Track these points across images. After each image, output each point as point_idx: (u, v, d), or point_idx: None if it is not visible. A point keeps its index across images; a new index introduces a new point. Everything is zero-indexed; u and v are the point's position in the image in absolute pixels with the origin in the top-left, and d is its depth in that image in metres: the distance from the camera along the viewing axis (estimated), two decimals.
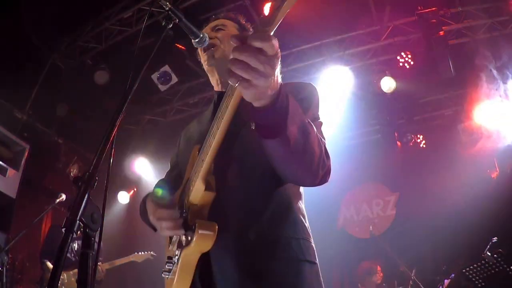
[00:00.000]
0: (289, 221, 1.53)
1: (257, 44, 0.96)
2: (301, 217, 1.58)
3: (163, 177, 2.03)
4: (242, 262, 1.43)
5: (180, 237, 1.52)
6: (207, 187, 1.43)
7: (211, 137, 1.37)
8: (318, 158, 1.30)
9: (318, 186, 1.47)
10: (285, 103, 1.12)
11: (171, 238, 1.65)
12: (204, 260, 1.43)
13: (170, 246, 1.62)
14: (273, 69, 1.00)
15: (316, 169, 1.32)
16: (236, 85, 1.01)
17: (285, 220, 1.52)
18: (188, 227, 1.44)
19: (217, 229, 1.39)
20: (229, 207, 1.50)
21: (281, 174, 1.41)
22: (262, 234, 1.46)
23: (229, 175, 1.53)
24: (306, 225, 1.58)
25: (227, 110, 1.27)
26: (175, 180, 1.84)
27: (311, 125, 1.28)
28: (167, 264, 1.54)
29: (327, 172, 1.39)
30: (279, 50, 1.01)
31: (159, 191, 1.71)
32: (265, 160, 1.38)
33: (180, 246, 1.48)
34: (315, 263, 1.52)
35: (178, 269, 1.44)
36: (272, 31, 1.02)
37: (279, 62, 1.03)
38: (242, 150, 1.54)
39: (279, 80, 1.09)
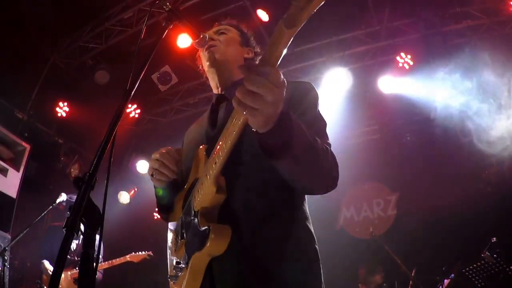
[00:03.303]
0: (294, 223, 1.55)
1: (265, 77, 1.03)
2: (305, 219, 1.60)
3: None
4: (249, 263, 1.44)
5: (187, 240, 1.52)
6: (218, 189, 1.42)
7: (225, 139, 1.34)
8: (326, 171, 1.39)
9: None
10: (289, 125, 1.19)
11: (176, 243, 1.64)
12: (212, 263, 1.43)
13: (176, 251, 1.61)
14: (280, 98, 1.08)
15: (325, 182, 1.42)
16: (244, 113, 1.07)
17: (290, 222, 1.54)
18: (198, 230, 1.42)
19: (230, 233, 1.39)
20: (235, 210, 1.50)
21: (292, 186, 1.47)
22: (267, 236, 1.48)
23: (235, 178, 1.53)
24: (310, 227, 1.60)
25: (233, 133, 1.28)
26: (178, 182, 1.84)
27: (316, 140, 1.34)
28: (175, 268, 1.53)
29: (336, 179, 1.46)
30: (284, 80, 1.08)
31: (160, 191, 1.72)
32: (270, 164, 1.39)
33: (190, 250, 1.47)
34: (318, 264, 1.54)
35: (187, 273, 1.42)
36: (296, 32, 1.07)
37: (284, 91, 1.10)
38: (247, 154, 1.54)
39: (282, 105, 1.15)
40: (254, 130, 1.20)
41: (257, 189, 1.53)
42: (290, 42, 1.06)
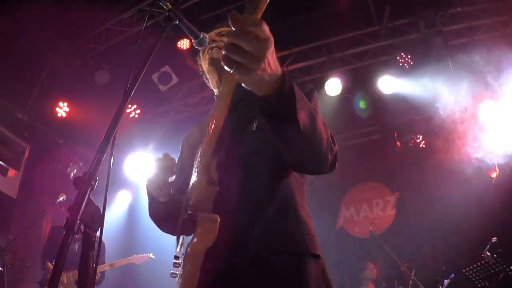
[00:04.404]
0: (293, 217, 1.55)
1: (249, 28, 0.99)
2: (305, 213, 1.60)
3: None
4: (248, 257, 1.44)
5: (185, 235, 1.52)
6: (209, 181, 1.42)
7: (210, 130, 1.37)
8: (327, 142, 1.34)
9: (321, 183, 1.47)
10: (292, 89, 1.15)
11: (178, 239, 1.65)
12: (212, 259, 1.42)
13: (178, 247, 1.62)
14: (265, 51, 1.02)
15: (326, 153, 1.36)
16: (232, 70, 1.03)
17: (289, 216, 1.54)
18: (192, 223, 1.43)
19: (219, 222, 1.38)
20: (234, 204, 1.51)
21: (292, 161, 1.44)
22: (267, 230, 1.48)
23: (235, 176, 1.54)
24: (310, 221, 1.59)
25: (223, 98, 1.29)
26: (181, 187, 1.83)
27: (316, 110, 1.32)
28: (174, 263, 1.54)
29: (335, 157, 1.42)
30: (270, 34, 1.03)
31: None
32: (269, 159, 1.41)
33: (186, 244, 1.48)
34: (321, 257, 1.53)
35: (184, 267, 1.44)
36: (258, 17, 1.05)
37: (272, 47, 1.04)
38: (246, 149, 1.55)
39: (278, 66, 1.11)
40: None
41: (254, 184, 1.54)
42: None
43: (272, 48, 1.04)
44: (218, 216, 1.39)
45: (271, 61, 1.07)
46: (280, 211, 1.53)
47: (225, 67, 1.04)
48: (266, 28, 1.01)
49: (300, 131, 1.20)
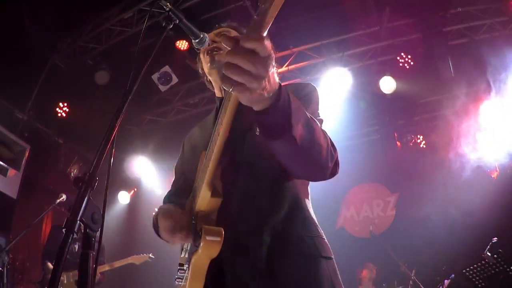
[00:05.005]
0: (301, 220, 1.54)
1: (249, 45, 0.94)
2: (311, 215, 1.59)
3: (167, 183, 2.02)
4: (258, 264, 1.43)
5: (190, 243, 1.52)
6: (213, 193, 1.41)
7: (213, 143, 1.36)
8: (326, 151, 1.32)
9: (321, 183, 1.47)
10: (287, 102, 1.11)
11: (182, 246, 1.65)
12: (217, 265, 1.42)
13: (183, 253, 1.62)
14: (266, 70, 0.98)
15: (325, 163, 1.33)
16: (231, 90, 0.99)
17: (297, 220, 1.53)
18: (197, 234, 1.43)
19: (223, 234, 1.37)
20: (240, 211, 1.50)
21: (292, 172, 1.43)
22: (276, 235, 1.47)
23: (239, 179, 1.53)
24: (317, 223, 1.59)
25: (226, 114, 1.25)
26: (183, 189, 1.83)
27: (314, 120, 1.29)
28: (179, 271, 1.54)
29: (336, 164, 1.40)
30: (272, 51, 0.99)
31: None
32: (273, 162, 1.38)
33: (190, 252, 1.48)
34: (331, 258, 1.53)
35: (189, 276, 1.43)
36: (263, 34, 1.00)
37: (273, 63, 1.00)
38: (250, 154, 1.54)
39: (277, 80, 1.07)
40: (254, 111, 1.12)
41: (260, 190, 1.53)
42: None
43: (273, 65, 1.00)
44: (222, 229, 1.37)
45: (271, 78, 1.02)
46: (288, 214, 1.52)
47: (224, 87, 0.99)
48: (267, 44, 0.95)
49: (297, 145, 1.18)
